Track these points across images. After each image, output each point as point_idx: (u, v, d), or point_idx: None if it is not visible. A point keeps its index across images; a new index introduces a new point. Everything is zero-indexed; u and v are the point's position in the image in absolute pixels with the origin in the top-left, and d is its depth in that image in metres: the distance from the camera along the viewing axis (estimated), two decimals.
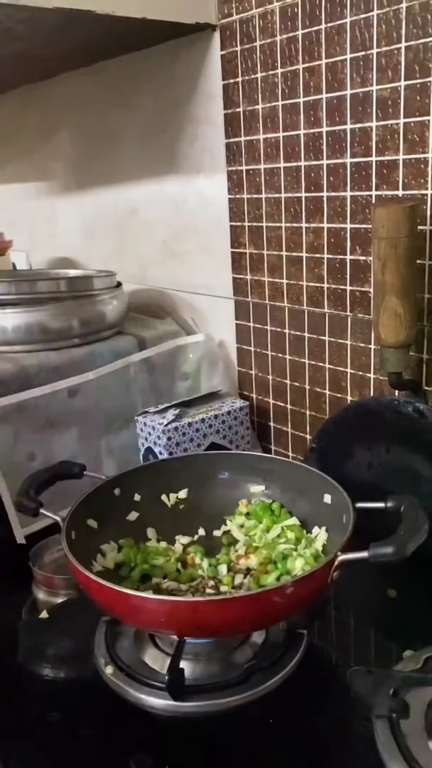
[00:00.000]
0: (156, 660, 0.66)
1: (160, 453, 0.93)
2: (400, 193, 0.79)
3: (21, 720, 0.62)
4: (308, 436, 1.00)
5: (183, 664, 0.62)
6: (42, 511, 0.71)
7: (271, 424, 1.07)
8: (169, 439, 0.92)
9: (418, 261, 0.75)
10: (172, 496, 0.83)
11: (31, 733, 0.60)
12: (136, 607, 0.59)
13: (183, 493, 0.83)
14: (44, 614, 0.76)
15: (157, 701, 0.61)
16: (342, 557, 0.60)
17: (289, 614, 0.63)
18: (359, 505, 0.69)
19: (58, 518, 0.70)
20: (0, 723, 0.62)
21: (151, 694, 0.62)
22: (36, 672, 0.69)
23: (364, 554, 0.59)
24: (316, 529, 0.75)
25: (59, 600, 0.82)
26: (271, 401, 1.05)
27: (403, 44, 0.74)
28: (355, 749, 0.57)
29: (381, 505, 0.68)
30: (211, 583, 0.70)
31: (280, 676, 0.63)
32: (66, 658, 0.71)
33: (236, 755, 0.58)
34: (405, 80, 0.75)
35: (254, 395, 1.08)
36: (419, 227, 0.75)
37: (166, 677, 0.60)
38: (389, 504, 0.67)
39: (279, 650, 0.66)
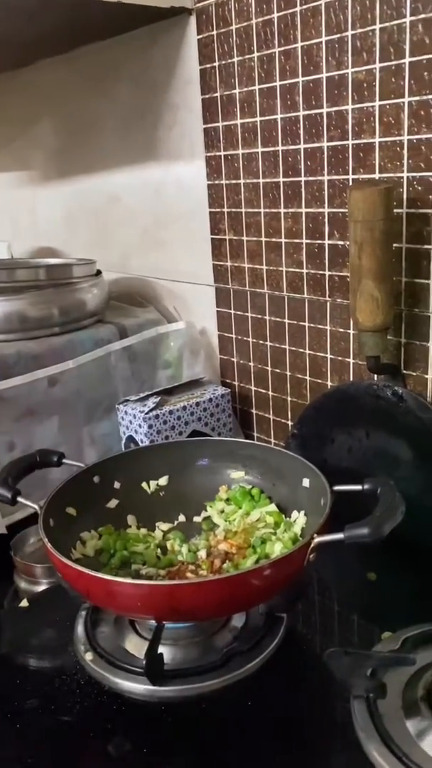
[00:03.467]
0: (136, 646, 0.66)
1: (142, 441, 0.93)
2: (376, 176, 0.78)
3: None
4: (290, 423, 1.00)
5: (162, 649, 0.62)
6: (20, 499, 0.71)
7: (253, 411, 1.06)
8: (150, 427, 0.92)
9: (394, 244, 0.75)
10: (152, 483, 0.82)
11: (9, 720, 0.60)
12: (113, 592, 0.59)
13: (163, 480, 0.83)
14: (24, 603, 0.76)
15: (136, 686, 0.61)
16: (318, 539, 0.60)
17: (267, 597, 0.64)
18: (337, 488, 0.69)
19: (36, 507, 0.69)
20: None
21: (129, 680, 0.62)
22: (16, 660, 0.69)
23: (339, 536, 0.59)
24: (294, 514, 0.75)
25: (40, 589, 0.82)
26: (253, 388, 1.05)
27: (377, 26, 0.74)
28: (332, 730, 0.57)
29: (358, 487, 0.68)
30: (191, 567, 0.70)
31: (259, 659, 0.64)
32: (46, 645, 0.70)
33: (215, 739, 0.58)
34: (380, 62, 0.75)
35: (236, 382, 1.08)
36: (396, 210, 0.75)
37: (144, 662, 0.60)
38: (366, 486, 0.68)
39: (258, 634, 0.66)
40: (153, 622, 0.64)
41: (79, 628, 0.69)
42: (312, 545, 0.60)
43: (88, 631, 0.69)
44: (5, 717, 0.60)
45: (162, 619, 0.61)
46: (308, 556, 0.61)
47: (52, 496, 0.71)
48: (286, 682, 0.63)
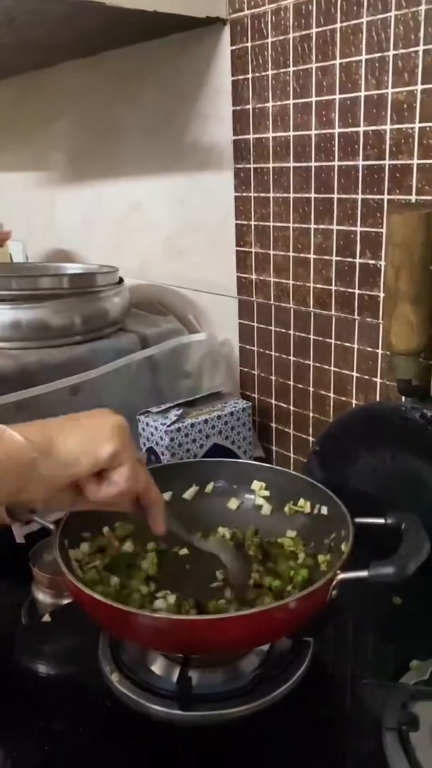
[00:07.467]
0: (162, 667, 0.66)
1: (162, 453, 0.92)
2: (413, 198, 0.78)
3: (23, 727, 0.61)
4: (311, 438, 1.00)
5: (189, 673, 0.62)
6: (35, 518, 0.69)
7: (273, 424, 1.06)
8: (171, 440, 0.91)
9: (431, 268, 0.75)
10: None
11: (35, 741, 0.59)
12: (132, 624, 0.58)
13: (167, 496, 0.81)
14: (47, 618, 0.76)
15: (164, 710, 0.61)
16: (341, 576, 0.60)
17: (289, 631, 0.63)
18: (358, 520, 0.68)
19: (51, 526, 0.69)
20: (2, 730, 0.61)
21: (157, 703, 0.61)
22: (40, 678, 0.68)
23: (363, 573, 0.59)
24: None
25: (59, 601, 0.81)
26: (273, 402, 1.05)
27: (421, 47, 0.73)
28: (364, 762, 0.57)
29: (380, 521, 0.68)
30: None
31: (288, 685, 0.63)
32: (70, 664, 0.70)
33: (244, 765, 0.58)
34: (422, 84, 0.74)
35: (256, 395, 1.08)
36: None
37: (175, 686, 0.60)
38: (389, 521, 0.67)
39: (286, 659, 0.66)
40: None
41: (104, 647, 0.69)
42: (334, 582, 0.60)
43: (113, 650, 0.68)
44: (30, 738, 0.60)
45: (183, 652, 0.61)
46: (330, 593, 0.60)
47: (67, 518, 0.70)
48: (315, 709, 0.62)
